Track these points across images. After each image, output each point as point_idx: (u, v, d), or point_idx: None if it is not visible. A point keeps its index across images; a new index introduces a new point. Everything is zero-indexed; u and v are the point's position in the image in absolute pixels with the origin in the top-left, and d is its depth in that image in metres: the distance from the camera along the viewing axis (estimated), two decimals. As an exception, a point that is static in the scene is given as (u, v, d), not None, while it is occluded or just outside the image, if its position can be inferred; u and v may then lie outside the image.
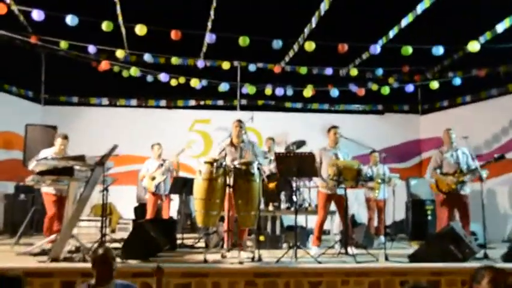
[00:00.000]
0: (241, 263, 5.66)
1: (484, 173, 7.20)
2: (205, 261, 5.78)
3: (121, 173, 9.35)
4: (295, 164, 6.41)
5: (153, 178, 8.50)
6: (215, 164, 6.05)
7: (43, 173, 5.99)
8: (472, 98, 10.77)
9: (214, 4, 7.98)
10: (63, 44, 9.45)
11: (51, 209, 7.02)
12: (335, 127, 7.31)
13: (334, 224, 8.29)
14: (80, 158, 5.82)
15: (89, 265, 5.26)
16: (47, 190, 7.04)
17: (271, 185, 8.54)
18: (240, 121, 6.96)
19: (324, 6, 7.67)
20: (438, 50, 8.76)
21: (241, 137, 6.91)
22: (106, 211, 6.81)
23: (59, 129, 8.81)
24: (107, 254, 3.71)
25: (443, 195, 7.39)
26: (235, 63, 11.29)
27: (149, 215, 8.53)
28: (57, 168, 6.06)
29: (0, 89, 10.16)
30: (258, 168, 6.24)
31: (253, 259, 5.94)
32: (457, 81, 10.24)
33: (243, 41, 8.70)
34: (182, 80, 10.85)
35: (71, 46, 9.64)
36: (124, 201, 10.35)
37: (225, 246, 6.56)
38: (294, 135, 10.65)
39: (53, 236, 6.55)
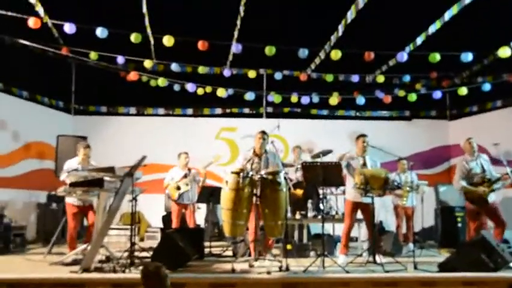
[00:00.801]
0: (268, 273, 5.66)
1: None
2: (233, 271, 5.82)
3: (149, 182, 9.45)
4: (322, 173, 6.42)
5: (178, 187, 8.54)
6: (241, 174, 6.09)
7: (74, 185, 6.12)
8: (502, 103, 10.56)
9: (242, 13, 8.02)
10: (93, 55, 9.65)
11: (71, 222, 7.15)
12: (363, 135, 7.24)
13: (362, 231, 8.26)
14: (110, 170, 5.92)
15: (118, 275, 5.44)
16: (69, 201, 7.17)
17: (299, 192, 8.55)
18: (263, 132, 6.90)
19: (350, 15, 7.64)
20: (467, 57, 8.63)
21: (263, 147, 6.90)
22: (134, 220, 6.91)
23: (88, 138, 9.00)
24: (160, 271, 3.65)
25: (473, 205, 7.28)
26: (261, 71, 11.33)
27: (174, 224, 8.57)
28: (88, 179, 6.20)
29: (33, 100, 10.42)
30: (285, 178, 6.26)
31: (280, 268, 5.94)
32: (487, 86, 10.06)
33: (269, 50, 8.74)
34: (208, 89, 10.94)
35: (101, 57, 9.83)
36: (152, 210, 10.50)
37: (252, 255, 6.58)
38: (320, 143, 10.67)
39: (84, 246, 6.68)
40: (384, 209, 10.06)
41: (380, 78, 10.61)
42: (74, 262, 6.40)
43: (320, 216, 7.71)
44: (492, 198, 7.17)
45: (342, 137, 11.00)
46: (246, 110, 11.93)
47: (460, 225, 9.46)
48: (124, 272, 5.62)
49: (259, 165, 6.74)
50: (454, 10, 7.11)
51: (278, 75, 10.92)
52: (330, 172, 6.46)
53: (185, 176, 8.61)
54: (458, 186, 7.33)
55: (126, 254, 6.44)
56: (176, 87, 10.92)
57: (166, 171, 9.23)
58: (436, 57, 8.63)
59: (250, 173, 6.21)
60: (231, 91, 11.07)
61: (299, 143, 10.02)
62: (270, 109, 11.86)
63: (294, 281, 5.51)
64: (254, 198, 6.15)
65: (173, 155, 9.17)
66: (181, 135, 11.18)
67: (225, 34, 9.03)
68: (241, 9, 7.96)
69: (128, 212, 9.77)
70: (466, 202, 7.46)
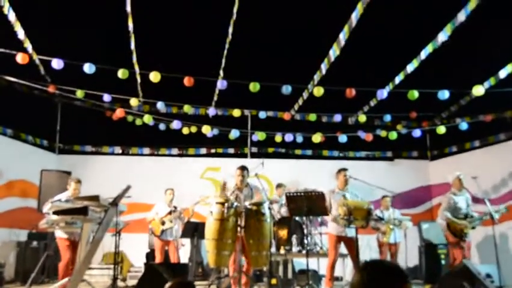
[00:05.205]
0: (253, 302, 5.63)
1: (497, 215, 7.31)
2: (218, 301, 5.77)
3: (132, 221, 9.40)
4: (306, 203, 6.49)
5: (163, 223, 8.53)
6: (226, 204, 6.13)
7: (58, 213, 6.09)
8: (480, 143, 10.83)
9: (225, 52, 8.28)
10: (79, 93, 9.75)
11: (65, 255, 7.09)
12: (344, 169, 7.43)
13: (347, 270, 8.23)
14: (94, 198, 5.91)
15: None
16: (61, 235, 7.13)
17: (283, 233, 8.55)
18: (242, 169, 6.98)
19: (333, 53, 7.92)
20: (444, 94, 8.93)
21: (244, 182, 6.97)
22: (118, 255, 6.86)
23: (72, 176, 8.97)
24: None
25: (454, 238, 7.45)
26: (246, 112, 11.52)
27: (157, 260, 8.52)
28: (72, 208, 6.17)
29: (17, 138, 10.39)
30: (269, 208, 6.31)
31: (265, 300, 5.91)
32: (464, 125, 10.35)
33: (254, 86, 8.93)
34: (194, 129, 11.05)
35: (87, 95, 9.94)
36: (135, 249, 10.35)
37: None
38: (305, 182, 10.74)
39: (65, 280, 6.57)
40: (368, 248, 10.10)
41: (362, 118, 10.84)
42: (55, 296, 6.28)
43: (304, 251, 7.71)
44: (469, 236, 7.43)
45: (326, 177, 11.06)
46: (231, 150, 12.02)
47: (443, 262, 9.50)
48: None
49: (241, 198, 6.79)
50: (429, 49, 7.43)
51: (262, 115, 11.11)
52: (314, 202, 6.55)
53: (170, 213, 8.61)
54: (443, 217, 7.53)
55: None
56: (162, 126, 11.01)
57: (149, 210, 9.19)
58: (414, 94, 8.90)
59: (235, 204, 6.26)
60: (216, 131, 11.18)
61: (284, 182, 10.11)
62: (254, 149, 11.97)
63: (279, 310, 5.47)
64: (238, 229, 6.18)
65: (158, 194, 9.19)
66: (166, 175, 11.14)
67: (210, 73, 9.23)
68: (226, 47, 8.21)
69: (110, 251, 9.69)
70: (447, 234, 7.62)
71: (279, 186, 9.86)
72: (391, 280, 1.77)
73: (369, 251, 10.10)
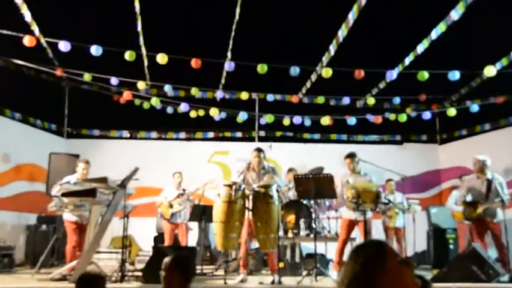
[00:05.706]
0: (261, 283, 5.63)
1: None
2: (225, 283, 5.76)
3: (141, 205, 9.42)
4: (314, 185, 6.44)
5: (171, 206, 8.54)
6: (234, 186, 6.10)
7: (67, 195, 6.10)
8: (491, 126, 10.67)
9: (233, 33, 8.20)
10: (87, 76, 9.72)
11: (72, 238, 7.06)
12: (348, 156, 7.26)
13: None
14: (103, 180, 5.92)
15: (109, 285, 5.34)
16: (69, 218, 7.11)
17: (291, 217, 8.51)
18: (258, 151, 6.96)
19: (342, 34, 7.81)
20: (454, 75, 8.78)
21: (261, 164, 6.94)
22: (126, 239, 6.86)
23: (81, 159, 8.97)
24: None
25: (469, 222, 7.33)
26: (254, 95, 11.44)
27: (166, 243, 8.54)
28: (80, 190, 6.17)
29: (25, 122, 10.40)
30: (277, 191, 6.27)
31: (273, 282, 5.90)
32: (474, 108, 10.20)
33: (261, 68, 8.84)
34: (201, 112, 11.01)
35: (94, 78, 9.90)
36: (144, 233, 10.35)
37: (241, 270, 6.52)
38: (313, 166, 10.67)
39: (74, 263, 6.59)
40: (377, 233, 10.03)
41: (371, 101, 10.74)
42: (63, 278, 6.30)
43: (312, 235, 7.68)
44: (495, 218, 7.15)
45: (334, 161, 11.01)
46: (239, 134, 11.97)
47: (451, 246, 9.44)
48: (115, 282, 5.54)
49: (256, 180, 6.72)
50: (440, 28, 7.27)
51: (270, 97, 11.04)
52: (322, 184, 6.49)
53: (179, 196, 8.62)
54: (454, 200, 7.40)
55: (116, 272, 6.38)
56: (170, 110, 10.97)
57: (157, 194, 9.20)
58: (424, 75, 8.76)
59: (243, 186, 6.23)
60: (223, 114, 11.13)
61: (292, 166, 10.05)
62: (262, 133, 11.90)
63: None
64: (246, 212, 6.15)
65: (166, 179, 9.17)
66: (173, 159, 11.14)
67: (218, 54, 9.16)
68: (233, 29, 8.13)
69: (118, 235, 9.71)
70: (458, 222, 7.51)
71: (290, 170, 9.78)
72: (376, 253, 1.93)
73: (377, 235, 10.04)
